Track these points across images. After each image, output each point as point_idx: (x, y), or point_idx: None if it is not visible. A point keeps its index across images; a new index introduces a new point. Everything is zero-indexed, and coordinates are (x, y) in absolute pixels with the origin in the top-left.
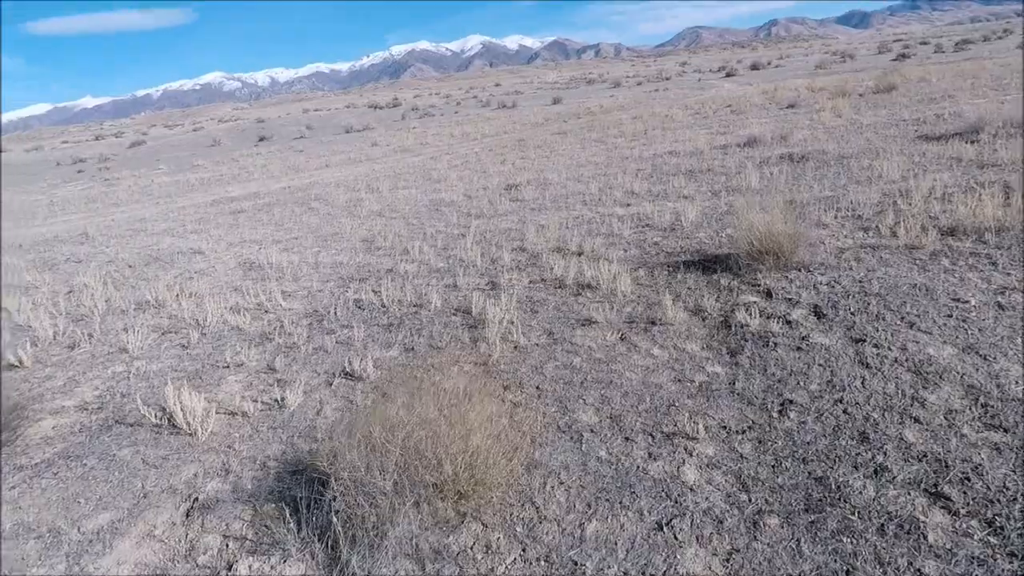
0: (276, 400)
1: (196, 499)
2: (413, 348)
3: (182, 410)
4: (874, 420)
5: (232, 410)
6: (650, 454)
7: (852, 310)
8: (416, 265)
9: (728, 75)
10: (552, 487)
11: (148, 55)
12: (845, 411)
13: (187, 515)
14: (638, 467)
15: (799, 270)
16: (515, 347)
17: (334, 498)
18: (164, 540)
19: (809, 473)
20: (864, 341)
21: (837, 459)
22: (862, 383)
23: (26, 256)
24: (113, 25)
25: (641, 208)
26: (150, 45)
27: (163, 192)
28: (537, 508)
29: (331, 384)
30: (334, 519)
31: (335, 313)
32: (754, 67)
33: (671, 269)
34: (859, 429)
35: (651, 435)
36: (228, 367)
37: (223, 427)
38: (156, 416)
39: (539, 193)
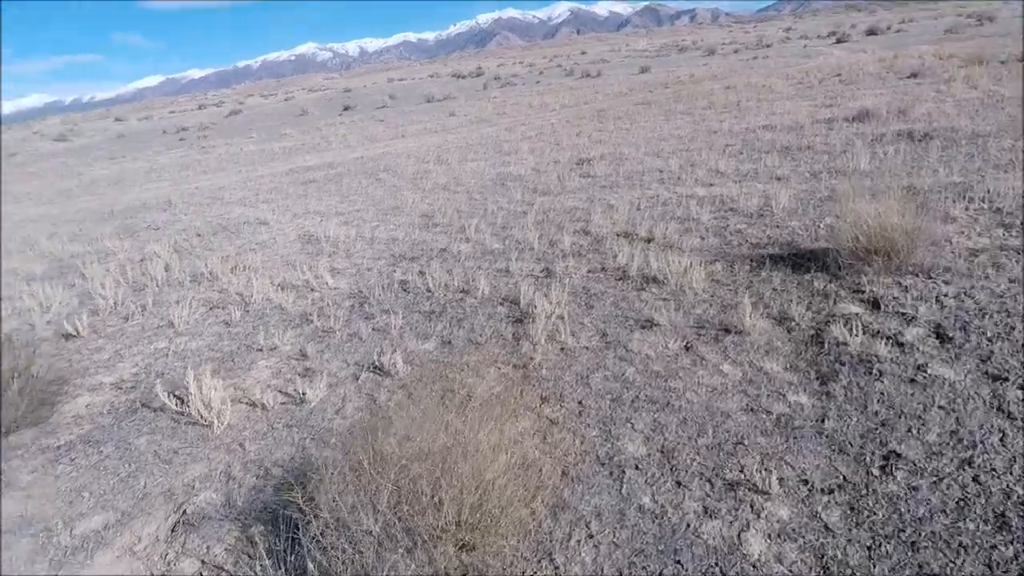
0: (299, 393)
1: (185, 511)
2: (451, 341)
3: (201, 400)
4: (1019, 497)
5: (253, 401)
6: (706, 509)
7: (989, 334)
8: (471, 245)
9: (839, 41)
10: (579, 541)
11: (248, 27)
12: (976, 478)
13: (173, 530)
14: (689, 526)
15: (917, 275)
16: (561, 348)
17: (314, 537)
18: (143, 558)
19: (920, 567)
20: (1006, 380)
21: (962, 550)
22: (1001, 440)
23: (113, 222)
24: None
25: (725, 189)
26: (250, 17)
27: (248, 160)
28: (556, 568)
29: (358, 378)
30: (309, 565)
31: (378, 295)
32: (871, 32)
33: (754, 264)
34: (996, 509)
35: (709, 481)
36: (262, 350)
37: (240, 419)
38: (177, 404)
39: (612, 169)
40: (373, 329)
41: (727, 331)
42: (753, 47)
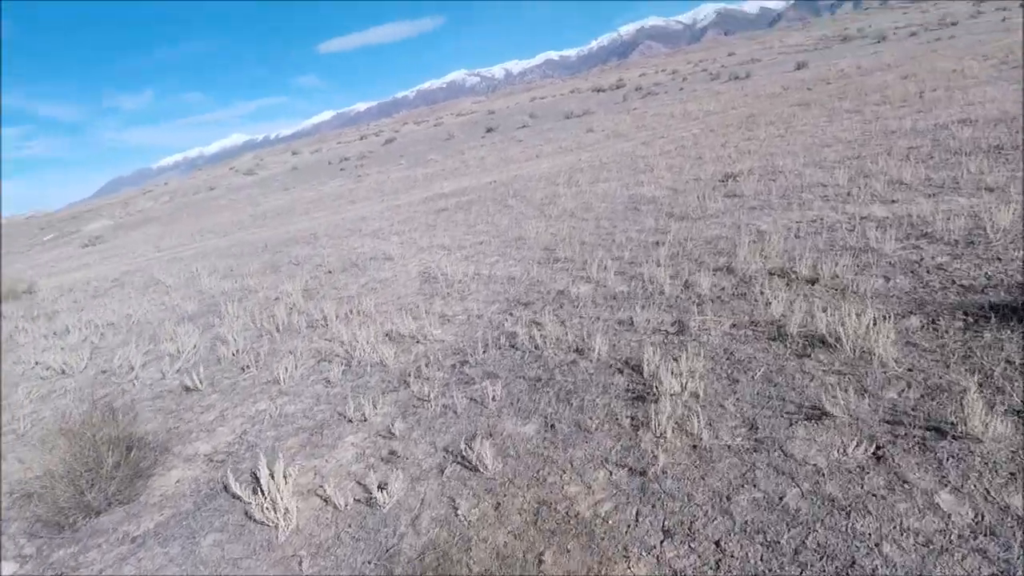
0: (376, 489)
1: None
2: (554, 425)
3: (272, 495)
4: None
5: (327, 496)
6: None
7: None
8: (592, 286)
9: None
10: None
11: (405, 61)
12: None
13: None
14: None
15: None
16: (694, 446)
17: None
18: None
19: None
20: None
21: None
22: None
23: (264, 256)
24: (377, 38)
25: (914, 207)
26: (406, 52)
27: (391, 189)
28: None
29: (443, 472)
30: None
31: (482, 354)
32: None
33: (971, 319)
34: None
35: None
36: (352, 421)
37: (309, 522)
38: (252, 493)
39: (763, 186)
40: (470, 399)
41: (940, 432)
42: (934, 27)
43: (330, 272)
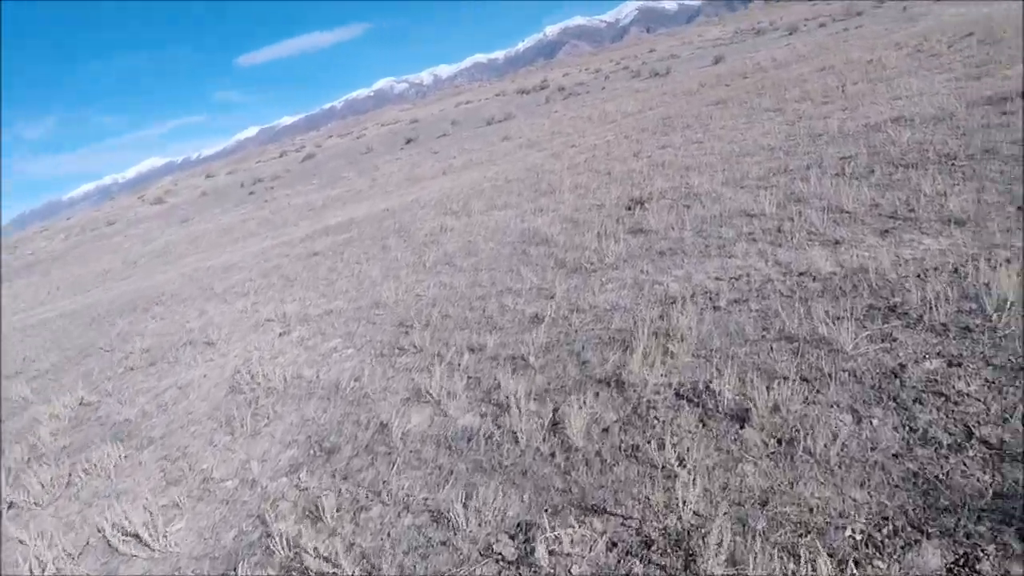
0: None
1: None
2: None
3: None
4: None
5: None
6: None
7: None
8: (429, 415)
9: None
10: None
11: (330, 71)
12: None
13: None
14: None
15: None
16: None
17: None
18: None
19: None
20: None
21: None
22: None
23: (86, 335)
24: (299, 48)
25: (867, 254)
26: (331, 62)
27: (286, 219)
28: None
29: None
30: None
31: None
32: None
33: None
34: None
35: None
36: None
37: None
38: None
39: (676, 216)
40: None
41: None
42: (841, 17)
43: (132, 369)
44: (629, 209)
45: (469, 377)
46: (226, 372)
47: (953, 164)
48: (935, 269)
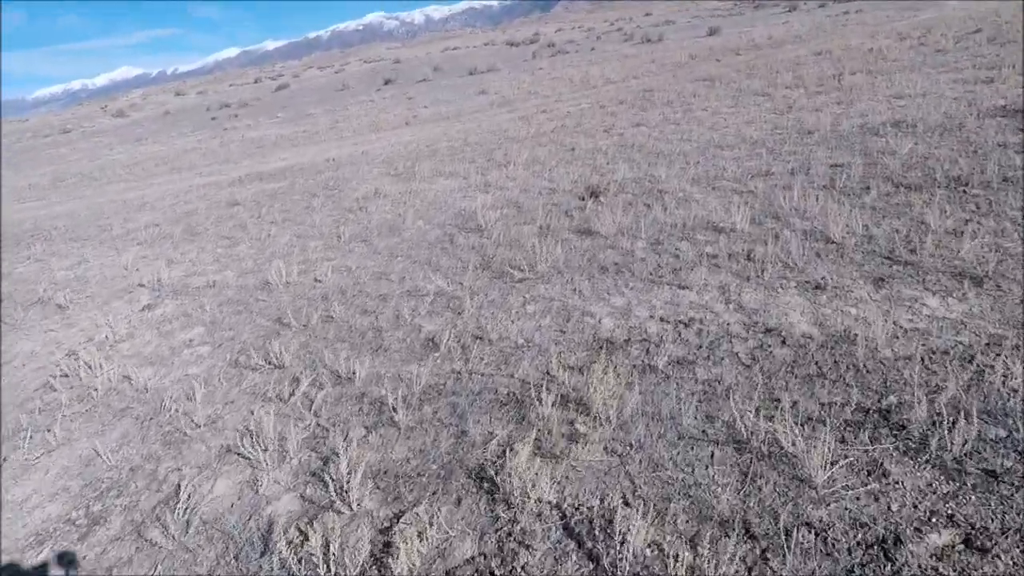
0: None
1: None
2: None
3: None
4: None
5: None
6: None
7: None
8: (232, 494)
9: None
10: None
11: None
12: None
13: None
14: None
15: None
16: None
17: None
18: None
19: None
20: None
21: None
22: None
23: None
24: None
25: (854, 312)
26: None
27: (238, 152)
28: None
29: None
30: None
31: None
32: None
33: None
34: None
35: None
36: None
37: None
38: None
39: (632, 219)
40: None
41: None
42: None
43: None
44: (582, 199)
45: (316, 426)
46: (56, 355)
47: (964, 192)
48: (945, 354)
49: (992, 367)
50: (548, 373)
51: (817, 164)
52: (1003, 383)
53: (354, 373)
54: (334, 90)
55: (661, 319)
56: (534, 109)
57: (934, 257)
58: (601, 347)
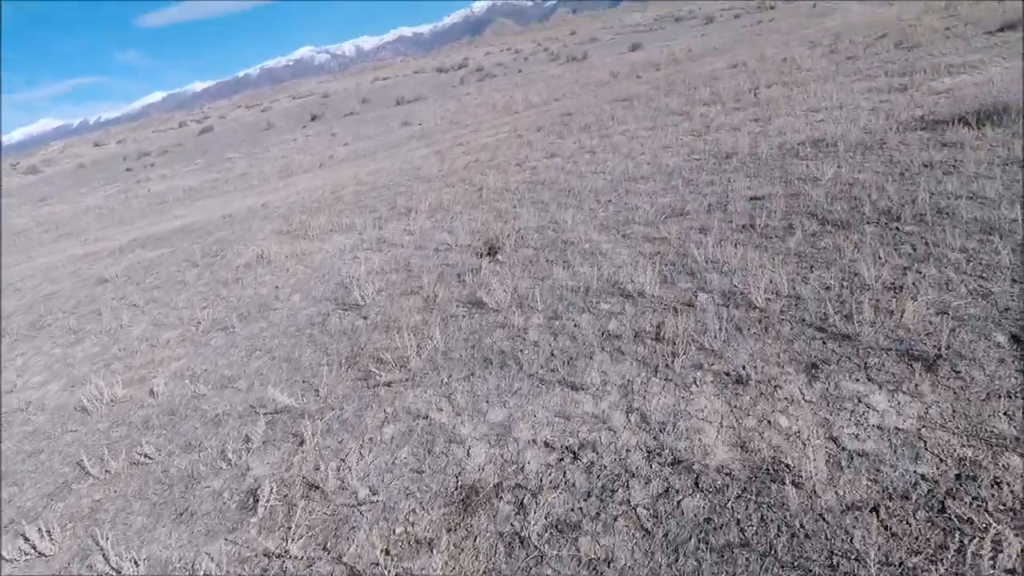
0: None
1: None
2: None
3: None
4: None
5: None
6: None
7: None
8: None
9: None
10: None
11: (247, 36)
12: None
13: None
14: None
15: None
16: None
17: None
18: None
19: None
20: None
21: None
22: None
23: None
24: (212, 10)
25: (781, 412)
26: (248, 26)
27: (128, 213)
28: None
29: None
30: None
31: None
32: None
33: None
34: None
35: None
36: None
37: None
38: None
39: (530, 283)
40: None
41: None
42: (755, 9)
43: None
44: (480, 256)
45: None
46: None
47: (897, 229)
48: (905, 499)
49: (970, 522)
50: (387, 551)
51: (736, 197)
52: (993, 561)
53: (137, 564)
54: (259, 130)
55: (546, 444)
56: (452, 141)
57: (875, 327)
58: (464, 500)
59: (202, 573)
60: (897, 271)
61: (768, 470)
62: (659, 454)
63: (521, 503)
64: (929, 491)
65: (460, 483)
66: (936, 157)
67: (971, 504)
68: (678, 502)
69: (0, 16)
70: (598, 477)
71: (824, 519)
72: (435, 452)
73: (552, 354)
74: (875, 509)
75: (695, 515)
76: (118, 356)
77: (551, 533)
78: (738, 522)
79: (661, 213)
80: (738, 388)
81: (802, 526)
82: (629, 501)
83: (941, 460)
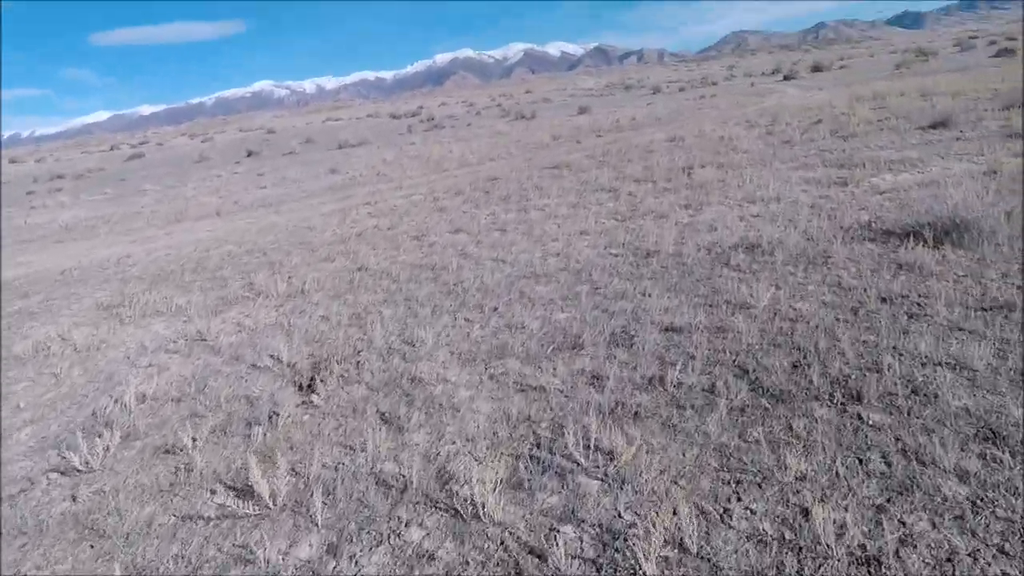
0: None
1: None
2: None
3: None
4: None
5: None
6: None
7: None
8: None
9: (787, 78)
10: None
11: (204, 64)
12: None
13: None
14: None
15: None
16: None
17: None
18: None
19: None
20: None
21: None
22: None
23: None
24: (174, 36)
25: None
26: (207, 55)
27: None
28: None
29: None
30: None
31: None
32: (816, 68)
33: None
34: None
35: None
36: None
37: None
38: None
39: (340, 449)
40: None
41: None
42: (699, 84)
43: None
44: (296, 389)
45: None
46: None
47: (860, 419)
48: None
49: None
50: None
51: (647, 325)
52: None
53: None
54: (191, 162)
55: None
56: (365, 198)
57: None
58: None
59: None
60: (867, 516)
61: None
62: None
63: None
64: None
65: None
66: (894, 287)
67: None
68: None
69: (0, 15)
70: None
71: None
72: None
73: None
74: None
75: None
76: None
77: None
78: None
79: (550, 340)
80: None
81: None
82: None
83: None
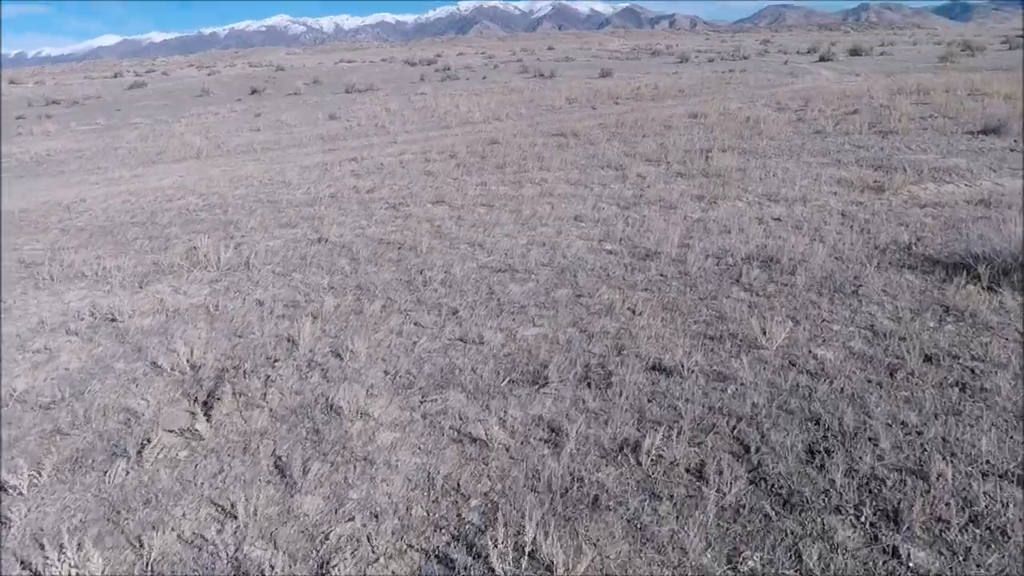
0: None
1: None
2: None
3: None
4: None
5: None
6: None
7: None
8: None
9: (823, 59)
10: None
11: None
12: None
13: None
14: None
15: None
16: None
17: None
18: None
19: None
20: None
21: None
22: None
23: None
24: None
25: None
26: None
27: None
28: None
29: None
30: None
31: None
32: (855, 52)
33: None
34: None
35: None
36: None
37: None
38: None
39: (209, 512)
40: None
41: None
42: (729, 57)
43: None
44: (192, 403)
45: None
46: None
47: (895, 553)
48: None
49: None
50: None
51: (630, 360)
52: None
53: None
54: (191, 95)
55: None
56: (354, 152)
57: None
58: None
59: None
60: None
61: None
62: None
63: None
64: None
65: None
66: (941, 341)
67: None
68: None
69: (0, 14)
70: None
71: None
72: None
73: None
74: None
75: None
76: None
77: None
78: None
79: (510, 366)
80: None
81: None
82: None
83: None
